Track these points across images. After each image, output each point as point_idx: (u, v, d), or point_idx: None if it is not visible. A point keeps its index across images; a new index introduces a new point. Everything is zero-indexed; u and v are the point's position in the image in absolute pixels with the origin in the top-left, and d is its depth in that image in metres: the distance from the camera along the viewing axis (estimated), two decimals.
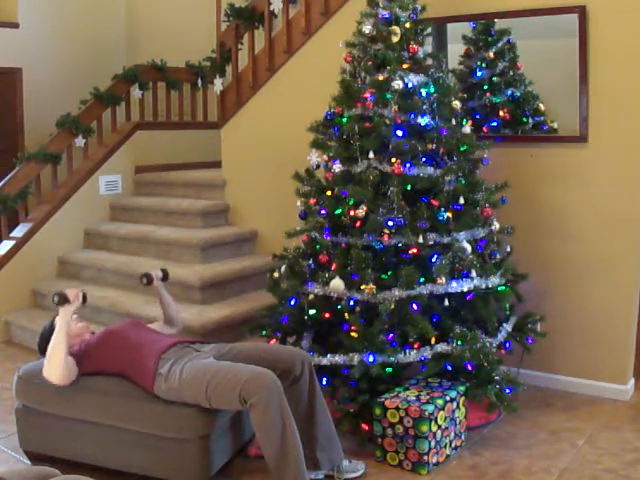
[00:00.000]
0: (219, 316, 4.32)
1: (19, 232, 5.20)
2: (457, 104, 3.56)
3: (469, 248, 3.35)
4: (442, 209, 3.34)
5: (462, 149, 3.49)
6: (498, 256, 3.58)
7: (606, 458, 3.14)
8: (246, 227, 5.13)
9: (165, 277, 3.49)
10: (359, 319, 3.26)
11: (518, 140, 3.99)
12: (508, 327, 3.58)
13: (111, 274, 5.02)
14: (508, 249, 3.71)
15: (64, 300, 2.97)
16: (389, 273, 3.31)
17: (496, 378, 3.30)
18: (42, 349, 3.18)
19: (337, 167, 3.47)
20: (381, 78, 3.40)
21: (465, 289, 3.31)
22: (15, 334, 4.96)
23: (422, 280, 3.26)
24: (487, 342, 3.29)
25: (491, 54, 4.03)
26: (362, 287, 3.25)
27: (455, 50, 4.12)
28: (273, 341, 3.52)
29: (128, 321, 3.33)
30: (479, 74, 4.08)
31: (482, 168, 3.61)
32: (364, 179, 3.34)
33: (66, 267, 5.32)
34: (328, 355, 3.31)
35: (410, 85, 3.40)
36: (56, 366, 2.91)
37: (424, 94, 3.44)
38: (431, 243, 3.32)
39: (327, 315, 3.42)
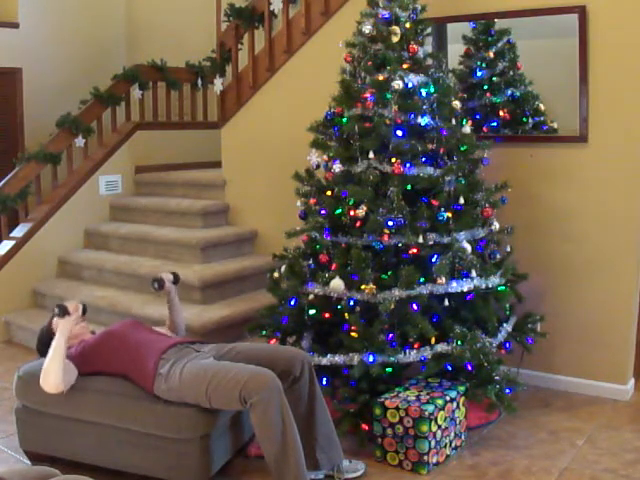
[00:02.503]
0: (219, 316, 4.32)
1: (19, 232, 5.20)
2: (457, 104, 3.56)
3: (469, 248, 3.35)
4: (442, 209, 3.34)
5: (462, 149, 3.49)
6: (498, 256, 3.58)
7: (606, 458, 3.14)
8: (246, 227, 5.13)
9: (176, 280, 3.46)
10: (359, 319, 3.26)
11: (518, 140, 3.99)
12: (508, 327, 3.58)
13: (111, 274, 5.02)
14: (508, 249, 3.71)
15: (64, 312, 2.99)
16: (389, 273, 3.31)
17: (496, 378, 3.30)
18: (40, 350, 3.19)
19: (337, 167, 3.47)
20: (381, 78, 3.40)
21: (465, 289, 3.31)
22: (15, 334, 4.96)
23: (422, 280, 3.26)
24: (487, 342, 3.29)
25: (491, 54, 4.03)
26: (362, 287, 3.25)
27: (455, 50, 4.12)
28: (273, 341, 3.52)
29: (127, 321, 3.33)
30: (479, 74, 4.08)
31: (482, 168, 3.61)
32: (364, 179, 3.34)
33: (66, 267, 5.32)
34: (328, 355, 3.31)
35: (410, 85, 3.40)
36: (52, 377, 2.90)
37: (424, 94, 3.44)
38: (431, 243, 3.32)
39: (327, 315, 3.42)
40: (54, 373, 2.89)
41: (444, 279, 3.24)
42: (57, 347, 2.91)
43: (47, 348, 3.11)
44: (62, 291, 4.94)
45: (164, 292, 3.41)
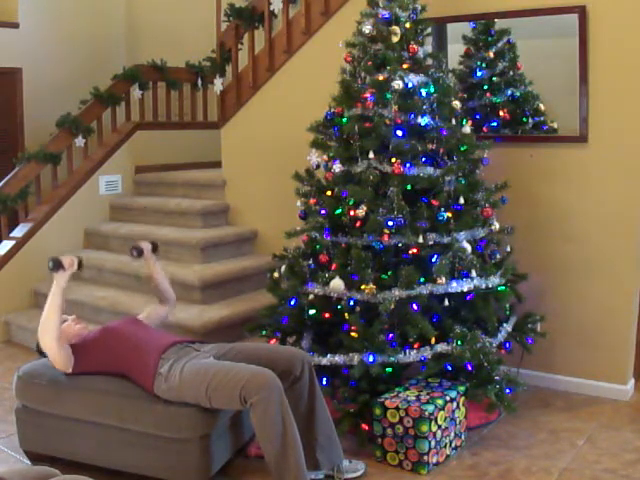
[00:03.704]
0: (219, 316, 4.32)
1: (19, 232, 5.20)
2: (457, 104, 3.56)
3: (469, 248, 3.35)
4: (442, 209, 3.34)
5: (462, 149, 3.49)
6: (498, 256, 3.58)
7: (606, 458, 3.14)
8: (246, 227, 5.13)
9: (155, 249, 3.47)
10: (359, 319, 3.26)
11: (518, 140, 3.99)
12: (508, 327, 3.58)
13: (111, 274, 5.02)
14: (508, 249, 3.70)
15: (59, 266, 2.94)
16: (389, 273, 3.31)
17: (496, 378, 3.30)
18: (40, 350, 3.18)
19: (337, 167, 3.47)
20: (381, 78, 3.40)
21: (465, 289, 3.31)
22: (15, 334, 4.96)
23: (422, 280, 3.26)
24: (487, 342, 3.29)
25: (491, 54, 4.03)
26: (362, 287, 3.25)
27: (455, 50, 4.12)
28: (273, 341, 3.52)
29: (126, 319, 3.32)
30: (479, 74, 4.08)
31: (482, 168, 3.61)
32: (364, 179, 3.34)
33: None
34: (328, 355, 3.31)
35: (410, 85, 3.40)
36: (50, 329, 2.91)
37: (424, 94, 3.44)
38: (431, 243, 3.32)
39: (327, 315, 3.42)
40: (50, 333, 2.90)
41: (444, 279, 3.25)
42: (52, 303, 2.91)
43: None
44: None
45: (144, 260, 3.42)
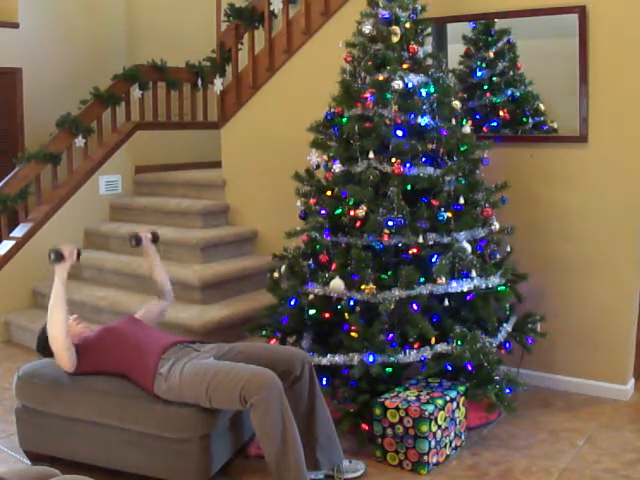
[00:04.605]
0: (219, 316, 4.32)
1: (19, 232, 5.20)
2: (457, 104, 3.56)
3: (469, 248, 3.35)
4: (442, 209, 3.34)
5: (462, 149, 3.49)
6: (498, 256, 3.58)
7: (606, 458, 3.14)
8: (246, 227, 5.13)
9: (155, 239, 3.46)
10: (359, 319, 3.26)
11: (518, 140, 3.99)
12: (508, 327, 3.58)
13: (111, 274, 5.02)
14: (508, 249, 3.70)
15: (60, 257, 2.97)
16: (389, 273, 3.31)
17: (496, 378, 3.30)
18: (39, 350, 3.19)
19: (337, 167, 3.47)
20: (381, 78, 3.40)
21: (465, 289, 3.31)
22: (15, 334, 4.96)
23: (422, 280, 3.26)
24: (487, 342, 3.29)
25: (491, 54, 4.03)
26: (362, 287, 3.25)
27: (455, 50, 4.12)
28: (273, 341, 3.52)
29: (127, 318, 3.32)
30: (479, 74, 4.08)
31: (482, 168, 3.61)
32: (364, 179, 3.34)
33: None
34: (328, 355, 3.31)
35: (410, 85, 3.40)
36: (56, 322, 2.93)
37: (424, 94, 3.44)
38: (431, 243, 3.32)
39: (327, 315, 3.42)
40: (58, 324, 2.92)
41: (444, 279, 3.25)
42: (56, 295, 2.94)
43: (47, 349, 3.11)
44: None
45: (142, 249, 3.41)
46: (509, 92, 4.02)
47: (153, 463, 2.94)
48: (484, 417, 3.47)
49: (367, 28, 3.52)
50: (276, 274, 3.68)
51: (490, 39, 4.02)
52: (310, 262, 3.51)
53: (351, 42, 3.58)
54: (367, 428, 3.21)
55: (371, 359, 3.17)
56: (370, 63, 3.47)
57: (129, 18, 7.20)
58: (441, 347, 3.26)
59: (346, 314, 3.32)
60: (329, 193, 3.52)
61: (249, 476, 3.07)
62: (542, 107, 3.95)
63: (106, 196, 5.65)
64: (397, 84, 3.36)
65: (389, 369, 3.26)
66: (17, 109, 6.34)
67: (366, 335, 3.22)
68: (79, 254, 3.06)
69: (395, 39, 3.45)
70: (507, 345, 3.58)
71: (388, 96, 3.38)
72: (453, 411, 3.17)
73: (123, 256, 5.11)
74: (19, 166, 5.31)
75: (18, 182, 5.25)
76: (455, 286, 3.29)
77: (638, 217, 3.66)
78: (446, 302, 3.32)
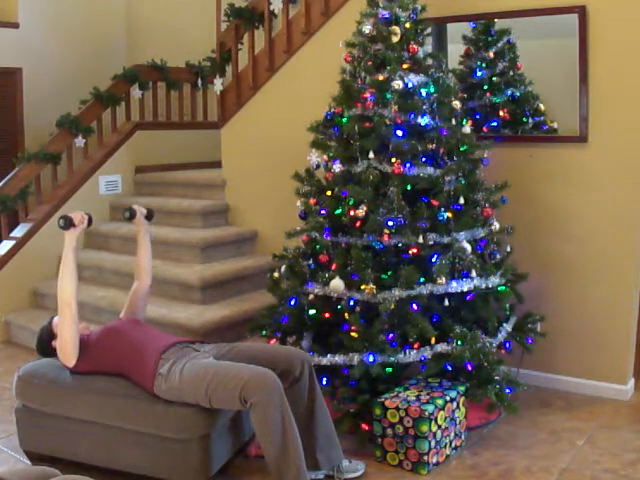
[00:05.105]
0: (219, 316, 4.32)
1: (19, 232, 5.20)
2: (457, 104, 3.56)
3: (469, 248, 3.35)
4: (442, 209, 3.34)
5: (462, 149, 3.49)
6: (498, 256, 3.58)
7: (606, 458, 3.14)
8: (246, 227, 5.13)
9: (150, 216, 3.43)
10: (359, 319, 3.26)
11: (518, 140, 3.99)
12: (508, 327, 3.58)
13: (111, 274, 5.02)
14: (508, 249, 3.71)
15: (69, 223, 2.95)
16: (389, 273, 3.31)
17: (496, 378, 3.30)
18: (40, 350, 3.19)
19: (337, 167, 3.47)
20: (381, 78, 3.40)
21: (465, 289, 3.31)
22: (15, 334, 4.96)
23: (422, 280, 3.26)
24: (487, 342, 3.29)
25: (491, 54, 4.03)
26: (362, 287, 3.25)
27: (455, 50, 4.12)
28: (273, 341, 3.52)
29: (126, 318, 3.32)
30: (479, 74, 4.08)
31: (482, 168, 3.61)
32: (364, 179, 3.34)
33: None
34: (328, 355, 3.31)
35: (410, 85, 3.40)
36: (66, 291, 2.93)
37: (424, 94, 3.44)
38: (431, 243, 3.32)
39: (327, 315, 3.42)
40: (68, 289, 2.93)
41: (444, 279, 3.25)
42: (65, 262, 2.95)
43: (47, 348, 3.11)
44: None
45: (135, 223, 3.39)
46: (509, 92, 4.02)
47: (153, 463, 2.94)
48: (484, 417, 3.47)
49: (367, 28, 3.52)
50: (276, 274, 3.68)
51: (490, 39, 4.02)
52: (310, 262, 3.51)
53: (351, 42, 3.58)
54: (367, 428, 3.21)
55: (371, 359, 3.17)
56: (370, 63, 3.47)
57: (129, 18, 7.20)
58: (441, 347, 3.26)
59: (346, 314, 3.32)
60: (329, 193, 3.52)
61: (249, 476, 3.07)
62: (542, 107, 3.95)
63: (106, 196, 5.65)
64: (397, 84, 3.36)
65: (389, 369, 3.26)
66: (17, 109, 6.34)
67: (366, 335, 3.22)
68: (90, 220, 3.04)
69: (395, 39, 3.45)
70: (507, 345, 3.58)
71: (388, 96, 3.38)
72: (453, 411, 3.17)
73: (123, 256, 5.10)
74: (19, 166, 5.31)
75: (18, 182, 5.25)
76: (455, 286, 3.29)
77: (638, 217, 3.66)
78: (446, 302, 3.32)
